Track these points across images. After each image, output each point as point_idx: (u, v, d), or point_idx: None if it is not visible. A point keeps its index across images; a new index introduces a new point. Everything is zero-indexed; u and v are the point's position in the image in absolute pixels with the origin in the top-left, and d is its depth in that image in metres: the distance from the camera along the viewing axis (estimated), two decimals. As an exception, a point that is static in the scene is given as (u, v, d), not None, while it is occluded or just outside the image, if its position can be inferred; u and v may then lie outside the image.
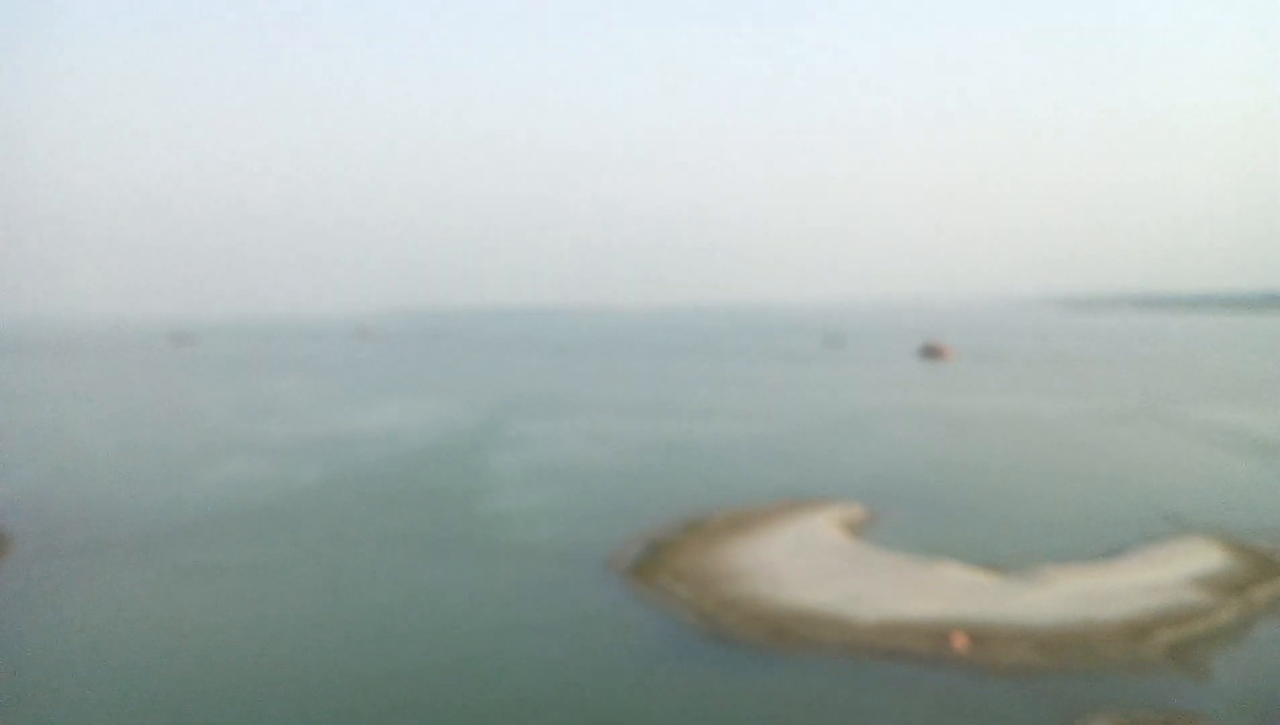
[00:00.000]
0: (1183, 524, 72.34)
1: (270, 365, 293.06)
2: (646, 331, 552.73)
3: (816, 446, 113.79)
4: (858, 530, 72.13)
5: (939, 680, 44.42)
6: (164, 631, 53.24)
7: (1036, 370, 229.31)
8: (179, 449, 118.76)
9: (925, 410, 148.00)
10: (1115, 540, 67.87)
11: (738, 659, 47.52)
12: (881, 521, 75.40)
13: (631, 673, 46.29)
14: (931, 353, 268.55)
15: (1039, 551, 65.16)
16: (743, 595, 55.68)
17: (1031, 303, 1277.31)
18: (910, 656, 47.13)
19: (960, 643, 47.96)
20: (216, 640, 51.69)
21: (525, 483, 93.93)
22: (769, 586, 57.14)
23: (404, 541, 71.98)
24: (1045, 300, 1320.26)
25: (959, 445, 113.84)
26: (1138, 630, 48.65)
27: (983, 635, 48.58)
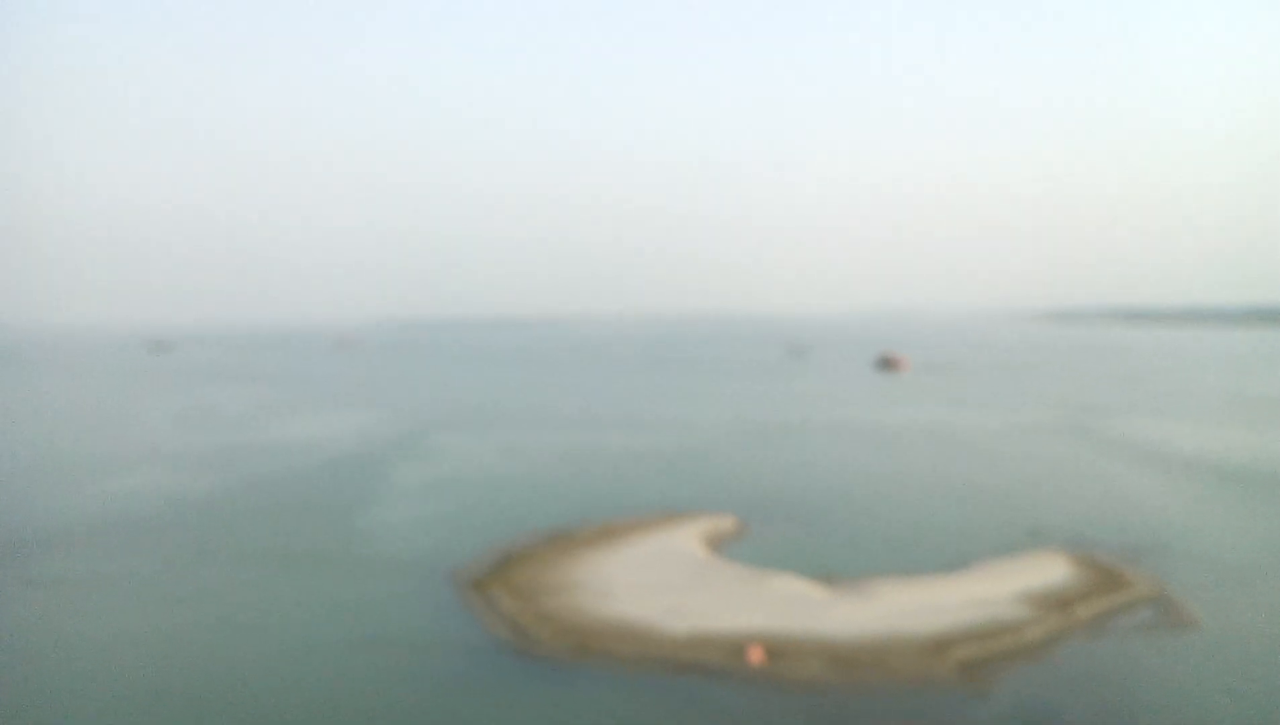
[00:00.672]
0: (1044, 538, 72.01)
1: (234, 374, 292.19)
2: (621, 342, 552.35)
3: (723, 459, 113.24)
4: (719, 543, 71.53)
5: (722, 694, 43.83)
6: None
7: (983, 382, 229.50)
8: (89, 458, 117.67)
9: (852, 423, 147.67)
10: (972, 553, 67.42)
11: (532, 672, 46.84)
12: (750, 534, 74.83)
13: (424, 687, 45.54)
14: (887, 364, 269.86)
15: (890, 564, 64.72)
16: (563, 608, 55.01)
17: (1014, 316, 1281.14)
18: (706, 670, 46.53)
19: (756, 656, 47.38)
20: (37, 654, 50.77)
21: (414, 495, 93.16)
22: (595, 600, 56.49)
23: (265, 555, 71.06)
24: (1029, 313, 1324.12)
25: (865, 458, 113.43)
26: (939, 645, 48.15)
27: (782, 649, 48.01)
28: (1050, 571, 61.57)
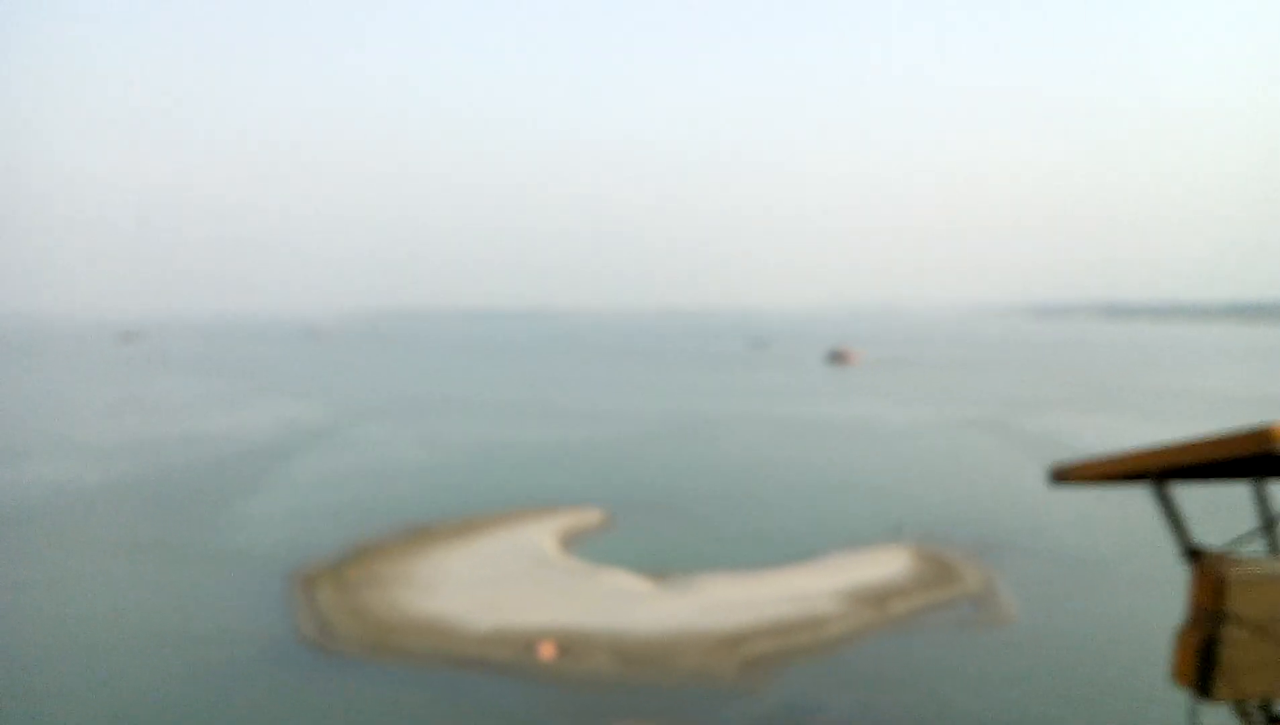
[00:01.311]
0: (905, 532, 71.89)
1: (193, 365, 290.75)
2: (595, 334, 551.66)
3: (626, 452, 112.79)
4: (576, 538, 71.17)
5: (500, 690, 43.43)
6: None
7: (927, 377, 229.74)
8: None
9: (774, 416, 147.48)
10: (827, 547, 67.21)
11: (314, 668, 46.35)
12: (613, 529, 74.40)
13: (199, 682, 45.04)
14: (838, 358, 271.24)
15: (741, 558, 64.49)
16: (377, 604, 54.60)
17: (998, 311, 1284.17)
18: (493, 667, 46.19)
19: (547, 652, 47.06)
20: None
21: (302, 488, 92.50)
22: (416, 595, 56.09)
23: (120, 545, 70.31)
24: (1015, 308, 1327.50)
25: (768, 451, 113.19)
26: (731, 642, 47.90)
27: (574, 645, 47.71)
28: (888, 566, 61.43)
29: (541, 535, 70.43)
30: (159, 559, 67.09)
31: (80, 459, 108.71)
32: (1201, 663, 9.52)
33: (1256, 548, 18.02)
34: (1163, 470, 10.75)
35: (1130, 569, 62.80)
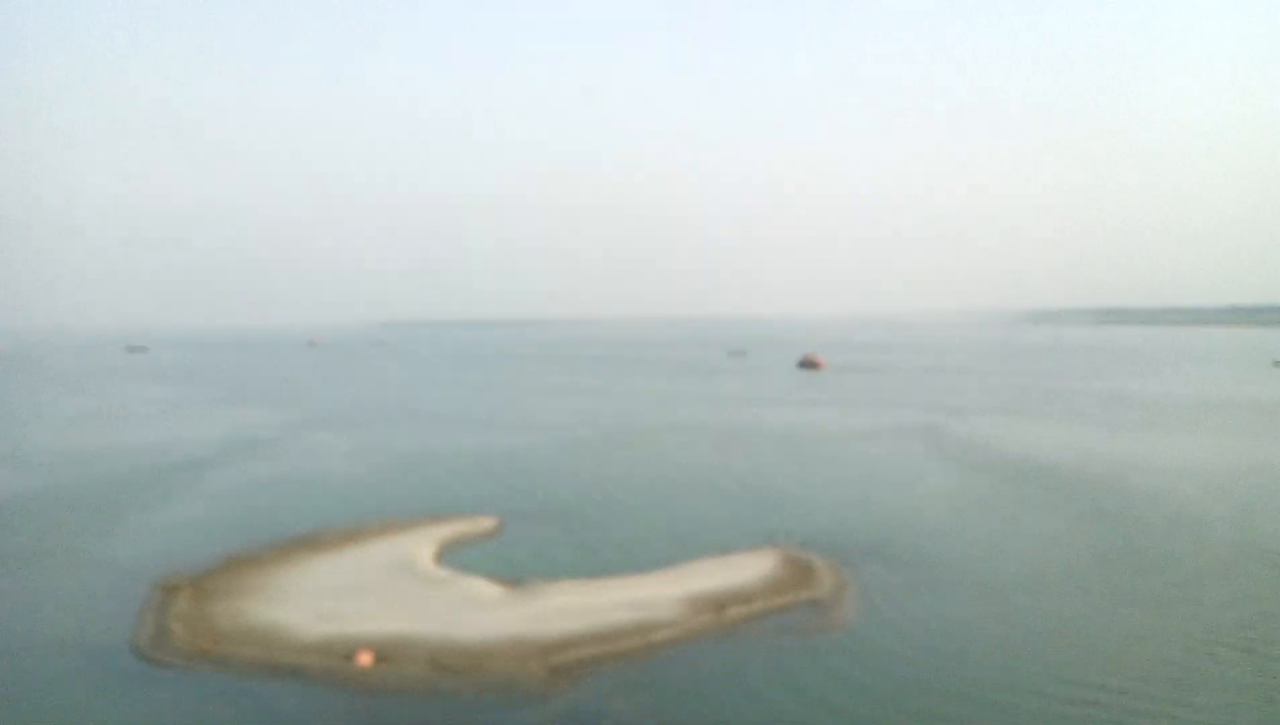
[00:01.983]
0: (782, 536, 72.11)
1: (182, 374, 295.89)
2: (586, 343, 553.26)
3: (549, 460, 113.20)
4: (456, 546, 71.37)
5: (309, 697, 43.73)
6: None
7: (889, 383, 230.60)
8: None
9: (715, 424, 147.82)
10: (697, 552, 67.37)
11: (138, 679, 46.60)
12: (498, 538, 74.50)
13: (16, 694, 45.48)
14: (807, 365, 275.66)
15: (612, 563, 64.76)
16: (219, 613, 54.90)
17: (993, 318, 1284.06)
18: (312, 675, 46.44)
19: (364, 660, 47.38)
20: None
21: (216, 497, 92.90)
22: (263, 604, 56.39)
23: (5, 556, 70.96)
24: (1008, 316, 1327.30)
25: (689, 457, 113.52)
26: (550, 648, 48.13)
27: (394, 653, 48.03)
28: (746, 570, 61.64)
29: (421, 544, 70.74)
30: (37, 569, 67.48)
31: (6, 470, 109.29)
32: None
33: None
34: None
35: (989, 577, 62.92)
